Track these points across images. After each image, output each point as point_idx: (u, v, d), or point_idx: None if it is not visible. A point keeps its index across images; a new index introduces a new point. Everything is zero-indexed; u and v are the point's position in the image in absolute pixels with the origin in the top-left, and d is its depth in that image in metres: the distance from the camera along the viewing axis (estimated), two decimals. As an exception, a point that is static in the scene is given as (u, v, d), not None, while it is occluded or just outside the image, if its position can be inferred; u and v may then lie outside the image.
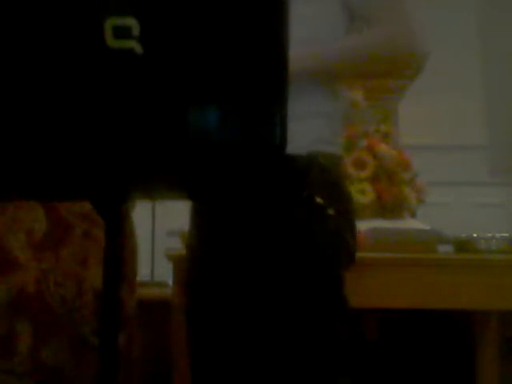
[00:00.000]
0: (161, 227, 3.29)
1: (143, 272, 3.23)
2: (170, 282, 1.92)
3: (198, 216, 1.41)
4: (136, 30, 0.72)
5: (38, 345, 1.44)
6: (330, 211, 1.28)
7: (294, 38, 1.25)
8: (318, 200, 1.27)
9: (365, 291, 1.33)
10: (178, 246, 2.04)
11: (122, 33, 0.73)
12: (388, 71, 1.45)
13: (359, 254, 1.44)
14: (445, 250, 2.06)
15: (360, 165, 2.13)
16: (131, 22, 0.72)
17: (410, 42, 1.33)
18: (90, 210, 1.47)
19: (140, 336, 1.59)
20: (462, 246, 2.00)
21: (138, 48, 0.73)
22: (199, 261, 1.38)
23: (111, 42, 0.72)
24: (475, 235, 2.00)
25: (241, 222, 1.28)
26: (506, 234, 2.00)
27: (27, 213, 1.46)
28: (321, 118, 1.34)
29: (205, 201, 1.30)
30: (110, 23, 0.72)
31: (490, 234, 1.99)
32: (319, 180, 1.32)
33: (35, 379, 1.43)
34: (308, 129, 1.31)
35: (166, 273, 2.23)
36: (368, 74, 1.49)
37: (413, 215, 2.22)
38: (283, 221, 1.25)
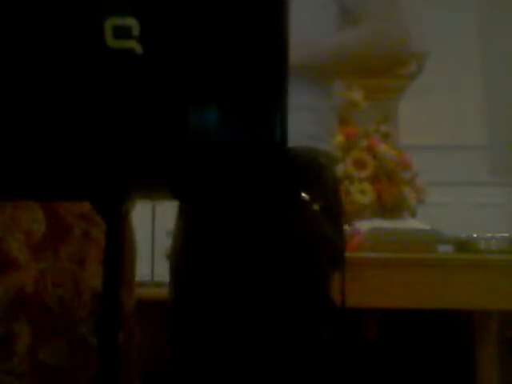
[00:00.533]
0: (161, 227, 3.30)
1: (143, 272, 3.23)
2: (170, 282, 1.92)
3: (183, 215, 1.38)
4: (136, 30, 0.72)
5: (36, 345, 1.44)
6: (316, 207, 1.25)
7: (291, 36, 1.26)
8: (304, 196, 1.25)
9: (365, 291, 1.33)
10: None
11: (122, 33, 0.73)
12: (381, 67, 1.44)
13: (359, 254, 1.44)
14: (445, 250, 2.06)
15: (360, 165, 2.13)
16: (131, 22, 0.72)
17: (403, 38, 1.33)
18: (89, 210, 1.47)
19: (139, 336, 1.59)
20: (462, 246, 2.00)
21: (138, 48, 0.73)
22: (185, 261, 1.36)
23: (111, 42, 0.72)
24: (475, 235, 2.00)
25: (225, 220, 1.25)
26: (506, 234, 2.01)
27: (26, 213, 1.46)
28: (310, 112, 1.33)
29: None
30: (109, 23, 0.72)
31: (489, 234, 2.00)
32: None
33: (34, 379, 1.43)
34: (296, 122, 1.29)
35: (166, 273, 2.23)
36: (360, 69, 1.47)
37: (413, 215, 2.22)
38: (269, 219, 1.22)
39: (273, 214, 1.23)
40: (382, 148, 2.16)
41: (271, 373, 1.22)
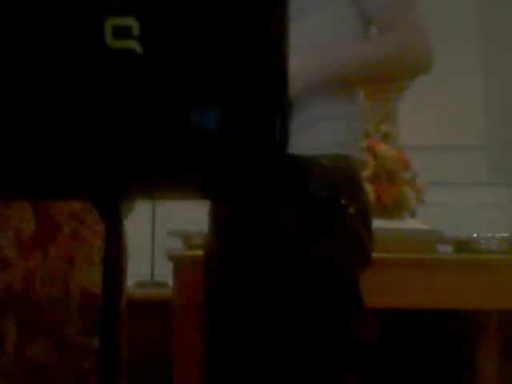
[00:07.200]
0: (161, 227, 3.29)
1: (143, 272, 3.22)
2: (170, 282, 1.92)
3: (215, 216, 1.42)
4: (136, 30, 0.72)
5: (23, 343, 1.44)
6: (352, 210, 1.31)
7: (310, 46, 1.29)
8: (342, 200, 1.31)
9: (365, 291, 1.33)
10: (178, 246, 2.04)
11: (122, 33, 0.73)
12: (405, 77, 1.50)
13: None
14: (445, 250, 2.06)
15: (360, 165, 2.13)
16: (131, 22, 0.72)
17: (428, 47, 1.35)
18: (79, 209, 1.48)
19: (126, 336, 1.59)
20: (462, 246, 2.00)
21: (138, 48, 0.73)
22: (217, 262, 1.40)
23: (111, 42, 0.72)
24: (475, 235, 2.00)
25: (257, 222, 1.31)
26: (506, 234, 2.00)
27: (16, 212, 1.47)
28: (337, 120, 1.36)
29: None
30: (110, 23, 0.72)
31: (490, 234, 1.99)
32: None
33: (20, 377, 1.44)
34: (325, 131, 1.33)
35: (166, 273, 2.23)
36: (385, 79, 1.55)
37: (413, 215, 2.21)
38: (302, 221, 1.29)
39: (310, 216, 1.29)
40: (382, 148, 2.15)
41: (304, 368, 1.28)
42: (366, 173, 2.06)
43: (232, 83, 0.74)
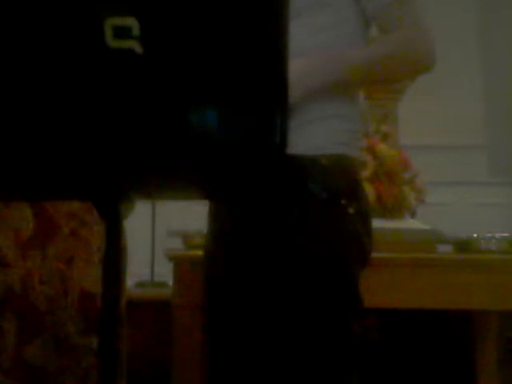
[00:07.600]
0: (161, 227, 3.29)
1: (143, 272, 3.23)
2: (170, 282, 1.92)
3: (215, 217, 1.43)
4: (136, 30, 0.72)
5: (22, 342, 1.44)
6: (351, 210, 1.31)
7: (311, 47, 1.29)
8: (342, 201, 1.31)
9: (365, 291, 1.33)
10: (178, 246, 2.04)
11: (122, 33, 0.73)
12: (406, 78, 1.50)
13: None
14: (445, 250, 2.06)
15: (360, 165, 2.13)
16: (131, 22, 0.72)
17: (429, 48, 1.35)
18: (78, 209, 1.48)
19: (127, 337, 1.60)
20: (462, 246, 2.00)
21: (137, 48, 0.73)
22: (217, 263, 1.40)
23: (111, 42, 0.72)
24: (475, 235, 2.00)
25: (257, 223, 1.31)
26: (506, 234, 2.01)
27: (15, 211, 1.47)
28: (338, 120, 1.36)
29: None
30: (109, 23, 0.72)
31: (489, 234, 1.99)
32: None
33: (19, 376, 1.44)
34: (326, 131, 1.34)
35: (166, 273, 2.23)
36: (386, 80, 1.56)
37: (413, 215, 2.21)
38: (301, 221, 1.29)
39: (310, 216, 1.29)
40: (382, 148, 2.15)
41: (305, 368, 1.28)
42: (365, 173, 2.06)
43: (232, 84, 0.74)
